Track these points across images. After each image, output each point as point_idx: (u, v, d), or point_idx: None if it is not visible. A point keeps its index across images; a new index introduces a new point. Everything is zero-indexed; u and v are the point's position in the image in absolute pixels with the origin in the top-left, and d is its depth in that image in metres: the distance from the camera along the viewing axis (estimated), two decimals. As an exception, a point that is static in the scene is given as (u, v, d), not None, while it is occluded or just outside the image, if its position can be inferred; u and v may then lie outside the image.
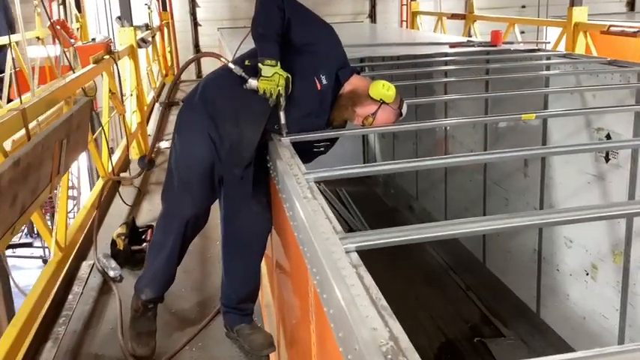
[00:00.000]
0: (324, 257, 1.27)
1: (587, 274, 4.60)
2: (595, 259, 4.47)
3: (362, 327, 0.97)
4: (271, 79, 2.42)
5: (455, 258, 6.92)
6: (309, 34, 2.58)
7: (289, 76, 2.47)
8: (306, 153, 2.70)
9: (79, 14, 10.64)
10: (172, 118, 7.66)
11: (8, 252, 9.15)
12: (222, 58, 2.71)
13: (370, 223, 8.25)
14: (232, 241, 2.83)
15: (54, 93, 2.78)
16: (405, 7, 11.79)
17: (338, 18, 12.77)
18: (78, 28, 10.42)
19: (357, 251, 1.29)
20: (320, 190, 6.40)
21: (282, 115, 2.50)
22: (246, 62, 2.57)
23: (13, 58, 6.55)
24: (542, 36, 11.36)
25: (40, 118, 3.19)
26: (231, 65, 2.56)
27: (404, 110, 2.71)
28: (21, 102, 3.35)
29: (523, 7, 12.94)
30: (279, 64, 2.45)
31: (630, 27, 6.39)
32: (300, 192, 1.68)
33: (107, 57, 4.41)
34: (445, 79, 5.31)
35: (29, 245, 10.58)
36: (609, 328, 4.34)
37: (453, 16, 9.83)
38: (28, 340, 2.52)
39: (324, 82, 2.58)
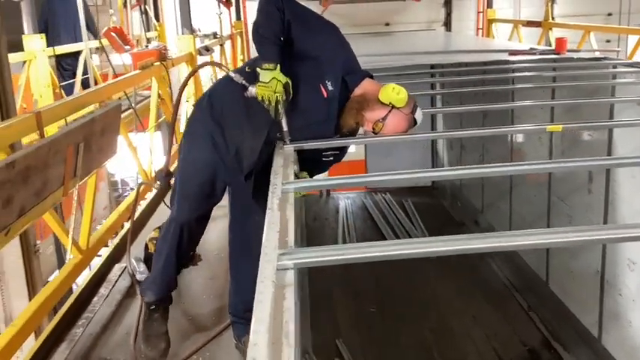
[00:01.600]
0: (260, 274, 1.19)
1: (651, 301, 4.27)
2: (661, 285, 4.15)
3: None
4: (268, 85, 2.33)
5: (518, 276, 6.67)
6: (312, 38, 2.49)
7: (289, 81, 2.37)
8: (316, 163, 2.64)
9: (157, 23, 11.03)
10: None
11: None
12: (223, 67, 2.76)
13: (432, 235, 8.01)
14: (239, 249, 2.81)
15: (81, 98, 2.83)
16: (481, 15, 11.46)
17: (413, 26, 12.62)
18: (156, 37, 10.82)
19: (297, 268, 1.20)
20: (385, 200, 6.28)
21: (283, 122, 2.41)
22: (247, 69, 2.51)
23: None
24: (624, 45, 10.76)
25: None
26: (231, 74, 2.50)
27: (418, 116, 2.54)
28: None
29: (609, 14, 12.28)
30: (278, 67, 2.35)
31: None
32: (270, 202, 1.59)
33: (157, 63, 4.49)
34: (512, 86, 5.11)
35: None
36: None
37: (529, 24, 9.45)
38: (39, 341, 2.56)
39: (330, 88, 2.46)
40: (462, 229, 8.32)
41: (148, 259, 3.64)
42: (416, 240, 1.45)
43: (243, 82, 2.42)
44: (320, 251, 1.29)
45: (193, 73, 2.48)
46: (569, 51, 5.22)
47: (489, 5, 11.01)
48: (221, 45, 7.84)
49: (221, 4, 9.79)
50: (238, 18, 11.55)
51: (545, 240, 1.48)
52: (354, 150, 10.08)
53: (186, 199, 2.67)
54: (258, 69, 2.35)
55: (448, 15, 12.87)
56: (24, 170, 2.08)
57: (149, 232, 3.70)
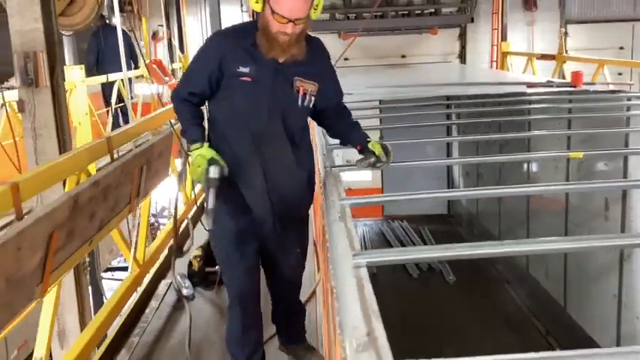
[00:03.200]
0: (337, 271, 1.43)
1: (668, 323, 4.42)
2: (677, 308, 4.30)
3: (350, 327, 1.12)
4: (192, 169, 2.42)
5: (536, 302, 6.77)
6: (212, 65, 2.49)
7: (214, 156, 2.41)
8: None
9: (182, 55, 11.44)
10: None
11: (107, 275, 9.81)
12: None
13: (450, 262, 8.21)
14: (275, 287, 2.97)
15: (140, 125, 3.11)
16: (495, 48, 11.78)
17: (428, 58, 12.89)
18: (180, 68, 11.20)
19: (367, 266, 1.44)
20: (402, 227, 6.44)
21: (211, 194, 2.39)
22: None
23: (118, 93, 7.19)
24: (637, 79, 10.99)
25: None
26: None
27: None
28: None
29: (621, 48, 12.56)
30: (204, 144, 2.44)
31: None
32: (332, 214, 1.83)
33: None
34: (529, 117, 5.32)
35: (126, 269, 11.21)
36: None
37: (543, 57, 9.74)
38: (103, 347, 2.79)
39: (244, 69, 2.46)
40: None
41: (191, 275, 3.89)
42: (471, 244, 1.67)
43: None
44: (385, 253, 1.55)
45: None
46: (584, 84, 5.46)
47: (503, 38, 11.32)
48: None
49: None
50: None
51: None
52: (371, 179, 10.32)
53: (231, 273, 2.77)
54: (189, 154, 2.48)
55: (463, 48, 13.17)
56: (104, 188, 2.33)
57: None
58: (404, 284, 8.00)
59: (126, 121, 8.00)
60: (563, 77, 9.13)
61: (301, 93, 2.55)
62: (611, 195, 4.97)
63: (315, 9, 2.41)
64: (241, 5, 11.92)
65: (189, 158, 2.44)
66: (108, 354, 2.86)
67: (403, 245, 9.04)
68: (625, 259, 4.83)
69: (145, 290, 3.53)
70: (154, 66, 6.08)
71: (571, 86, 5.36)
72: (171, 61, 11.38)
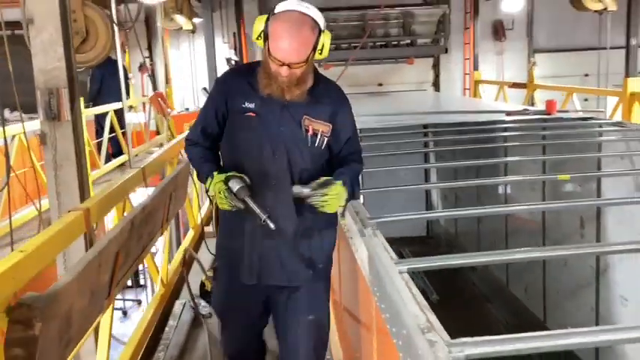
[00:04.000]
0: (385, 276, 1.73)
1: (642, 332, 4.75)
2: (650, 317, 4.64)
3: (406, 315, 1.43)
4: (215, 196, 2.39)
5: (517, 317, 7.06)
6: (221, 106, 2.50)
7: (223, 178, 2.36)
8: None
9: (165, 84, 11.70)
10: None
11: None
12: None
13: (432, 282, 8.52)
14: (301, 338, 2.68)
15: (162, 155, 3.39)
16: (467, 76, 12.30)
17: (404, 86, 13.35)
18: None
19: (407, 272, 1.74)
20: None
21: (252, 206, 2.33)
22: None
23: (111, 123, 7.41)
24: (603, 104, 11.56)
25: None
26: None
27: (283, 7, 2.35)
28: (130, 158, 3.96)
29: (586, 75, 13.18)
30: (214, 174, 2.41)
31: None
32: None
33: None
34: (505, 144, 5.62)
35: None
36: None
37: (514, 85, 10.25)
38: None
39: (247, 104, 2.45)
40: (458, 274, 8.79)
41: (204, 295, 4.13)
42: (493, 252, 1.98)
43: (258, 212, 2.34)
44: (423, 261, 1.86)
45: None
46: (558, 111, 5.87)
47: (475, 68, 11.85)
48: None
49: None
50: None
51: (528, 255, 2.14)
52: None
53: (231, 333, 2.70)
54: (210, 192, 2.45)
55: (437, 76, 13.68)
56: (149, 213, 2.60)
57: (197, 273, 4.18)
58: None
59: (118, 151, 8.23)
60: (532, 104, 9.62)
61: (310, 133, 2.46)
62: (586, 214, 5.33)
63: (321, 52, 2.34)
64: (222, 37, 12.25)
65: (210, 193, 2.41)
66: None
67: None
68: (601, 273, 5.18)
69: (162, 311, 3.76)
70: (158, 99, 6.35)
71: (546, 114, 5.76)
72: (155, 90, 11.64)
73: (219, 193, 2.31)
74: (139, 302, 11.62)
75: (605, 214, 5.10)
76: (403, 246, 10.14)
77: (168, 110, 6.24)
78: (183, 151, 4.07)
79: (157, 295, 3.47)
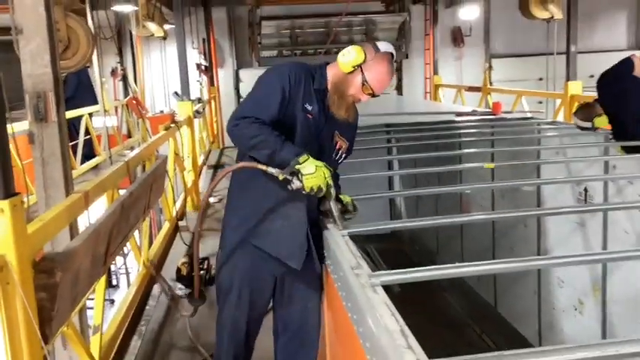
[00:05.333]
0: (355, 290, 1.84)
1: (576, 309, 5.30)
2: (581, 296, 5.18)
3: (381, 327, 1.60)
4: (315, 174, 2.35)
5: (471, 304, 7.56)
6: (278, 96, 2.53)
7: (325, 166, 2.40)
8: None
9: (137, 89, 12.04)
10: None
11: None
12: (259, 166, 2.49)
13: (395, 275, 8.97)
14: (292, 337, 2.76)
15: (143, 151, 3.81)
16: (428, 81, 12.88)
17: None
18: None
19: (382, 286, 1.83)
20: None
21: (333, 206, 2.46)
22: (280, 177, 2.42)
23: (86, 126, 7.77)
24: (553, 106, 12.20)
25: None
26: (271, 170, 2.42)
27: (384, 47, 2.52)
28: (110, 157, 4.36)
29: (540, 79, 13.83)
30: (307, 154, 2.39)
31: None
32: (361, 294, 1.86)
33: (173, 125, 5.48)
34: (460, 139, 6.12)
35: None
36: (593, 355, 4.98)
37: (470, 89, 10.83)
38: (121, 333, 3.43)
39: (309, 107, 2.54)
40: (421, 267, 9.28)
41: (180, 280, 4.53)
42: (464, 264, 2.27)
43: (286, 176, 2.38)
44: (399, 274, 2.04)
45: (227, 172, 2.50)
46: (503, 112, 6.43)
47: (435, 72, 12.42)
48: (203, 109, 8.87)
49: (202, 73, 10.88)
50: (212, 84, 12.67)
51: (490, 268, 2.41)
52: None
53: (234, 311, 2.66)
54: (296, 166, 2.36)
55: (399, 80, 14.24)
56: (135, 198, 3.02)
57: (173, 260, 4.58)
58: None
59: (90, 154, 8.57)
60: (488, 106, 10.20)
61: (337, 147, 2.65)
62: (529, 205, 5.88)
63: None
64: (192, 43, 12.61)
65: (306, 168, 2.35)
66: (124, 340, 3.51)
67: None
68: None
69: (143, 292, 4.16)
70: (134, 102, 6.75)
71: (492, 114, 6.32)
72: (126, 95, 11.96)
73: (325, 178, 2.35)
74: (112, 301, 11.89)
75: (545, 203, 5.66)
76: (369, 243, 10.61)
77: (144, 112, 6.64)
78: (160, 150, 4.51)
79: (139, 273, 3.87)
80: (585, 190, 5.02)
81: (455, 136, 6.11)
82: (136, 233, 4.17)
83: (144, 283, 3.89)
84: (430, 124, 6.46)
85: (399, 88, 14.22)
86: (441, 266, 2.06)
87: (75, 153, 8.06)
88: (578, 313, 5.26)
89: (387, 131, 6.90)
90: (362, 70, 2.44)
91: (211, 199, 7.07)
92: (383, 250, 10.39)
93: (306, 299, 2.65)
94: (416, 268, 2.09)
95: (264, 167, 2.43)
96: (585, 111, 4.83)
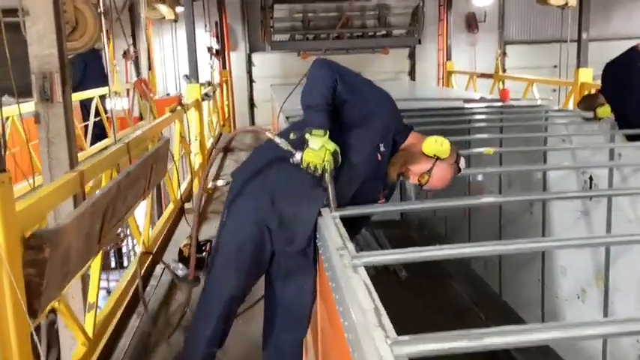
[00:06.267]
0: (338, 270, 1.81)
1: (579, 298, 5.30)
2: (583, 284, 5.18)
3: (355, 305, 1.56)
4: (317, 152, 2.29)
5: (477, 292, 7.60)
6: (366, 107, 2.48)
7: (337, 149, 2.34)
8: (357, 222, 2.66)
9: (149, 71, 12.07)
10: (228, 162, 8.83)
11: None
12: (267, 134, 2.48)
13: (405, 263, 9.07)
14: (279, 316, 2.74)
15: (145, 133, 3.84)
16: (441, 67, 12.79)
17: (381, 75, 13.80)
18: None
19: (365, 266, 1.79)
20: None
21: (330, 188, 2.37)
22: (292, 135, 2.40)
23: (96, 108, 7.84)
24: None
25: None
26: (276, 139, 2.39)
27: (462, 164, 2.57)
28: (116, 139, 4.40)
29: (555, 66, 13.71)
30: (327, 134, 2.32)
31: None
32: (343, 280, 1.79)
33: (179, 108, 5.51)
34: (469, 125, 6.10)
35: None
36: (595, 343, 4.99)
37: (482, 76, 10.76)
38: (119, 311, 3.49)
39: (382, 149, 2.50)
40: (430, 255, 9.35)
41: (182, 261, 4.59)
42: (442, 247, 2.13)
43: (289, 147, 2.35)
44: (378, 255, 2.00)
45: (235, 135, 2.43)
46: (512, 99, 6.40)
47: (448, 58, 12.34)
48: (214, 92, 8.90)
49: (213, 56, 10.90)
50: (224, 67, 12.69)
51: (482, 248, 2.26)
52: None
53: (235, 274, 2.61)
54: (307, 135, 2.31)
55: (413, 66, 14.16)
56: (133, 179, 3.05)
57: (176, 242, 4.63)
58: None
59: (102, 134, 8.65)
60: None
61: (381, 200, 2.63)
62: (532, 201, 5.88)
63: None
64: (205, 26, 12.63)
65: (311, 141, 2.31)
66: (124, 317, 3.58)
67: (361, 249, 9.79)
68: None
69: (144, 272, 4.22)
70: (142, 84, 6.80)
71: (500, 101, 6.28)
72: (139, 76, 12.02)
73: (323, 161, 2.30)
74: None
75: (549, 189, 5.65)
76: (379, 229, 10.66)
77: (151, 95, 6.69)
78: (164, 131, 4.54)
79: (138, 255, 3.93)
80: (590, 178, 5.00)
81: (464, 122, 6.11)
82: (140, 214, 4.25)
83: (144, 264, 3.95)
84: (440, 110, 6.51)
85: (412, 74, 14.15)
86: (423, 248, 2.03)
87: (86, 134, 8.15)
88: (581, 302, 5.26)
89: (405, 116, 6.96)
90: (435, 163, 2.45)
91: (219, 182, 7.12)
92: (392, 235, 10.44)
93: (302, 281, 2.62)
94: (398, 250, 2.08)
95: (270, 135, 2.42)
96: (588, 101, 4.82)
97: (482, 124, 6.07)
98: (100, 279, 2.93)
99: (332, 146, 2.32)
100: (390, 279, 8.73)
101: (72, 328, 2.48)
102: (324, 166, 2.30)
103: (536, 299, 6.01)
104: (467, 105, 6.39)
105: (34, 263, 1.91)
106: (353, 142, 2.44)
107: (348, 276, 1.66)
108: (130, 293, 3.67)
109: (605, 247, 4.76)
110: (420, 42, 12.83)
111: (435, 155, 2.44)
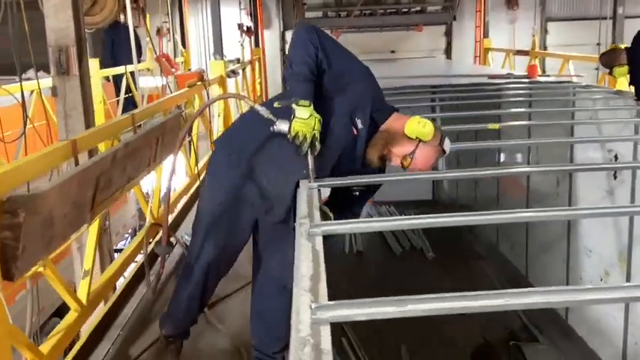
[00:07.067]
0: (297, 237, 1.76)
1: (602, 280, 5.18)
2: (607, 266, 5.06)
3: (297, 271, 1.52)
4: (307, 121, 2.23)
5: (503, 273, 7.50)
6: (344, 76, 2.43)
7: (321, 119, 2.29)
8: (349, 198, 2.61)
9: (183, 49, 12.17)
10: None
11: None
12: (246, 99, 2.48)
13: (430, 241, 9.02)
14: (264, 285, 2.77)
15: (155, 106, 3.86)
16: (478, 44, 12.51)
17: (416, 53, 13.62)
18: (182, 62, 11.93)
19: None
20: (389, 212, 7.24)
21: (310, 159, 2.31)
22: (275, 104, 2.36)
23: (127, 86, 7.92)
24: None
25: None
26: (257, 107, 2.35)
27: (446, 146, 2.49)
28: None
29: (598, 44, 13.25)
30: (312, 105, 2.27)
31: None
32: (297, 247, 1.72)
33: (199, 83, 5.53)
34: (499, 100, 6.02)
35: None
36: (616, 326, 4.89)
37: (519, 53, 10.48)
38: (126, 280, 3.55)
39: (360, 126, 2.44)
40: (459, 235, 9.29)
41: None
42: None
43: (270, 116, 2.30)
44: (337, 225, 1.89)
45: (205, 107, 2.42)
46: (540, 76, 6.23)
47: (485, 35, 12.05)
48: (243, 69, 8.91)
49: (243, 34, 10.91)
50: (257, 45, 12.69)
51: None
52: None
53: (211, 240, 2.64)
54: (293, 105, 2.26)
55: (449, 44, 13.90)
56: (132, 150, 3.08)
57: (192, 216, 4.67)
58: (387, 261, 8.79)
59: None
60: (543, 70, 9.88)
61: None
62: (560, 174, 5.78)
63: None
64: (240, 3, 12.63)
65: (299, 111, 2.25)
66: (129, 286, 3.64)
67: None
68: (571, 228, 5.61)
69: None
70: (163, 59, 6.85)
71: (527, 78, 6.12)
72: (174, 55, 12.12)
73: (313, 129, 2.25)
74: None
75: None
76: (410, 209, 10.60)
77: (173, 70, 6.75)
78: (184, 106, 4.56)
79: (146, 226, 3.98)
80: (615, 157, 4.87)
81: (494, 97, 6.03)
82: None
83: (152, 235, 3.99)
84: (472, 86, 6.46)
85: (448, 52, 13.89)
86: (383, 219, 2.03)
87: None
88: (604, 284, 5.13)
89: (432, 92, 6.92)
90: (417, 145, 2.39)
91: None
92: (422, 215, 10.38)
93: (284, 251, 2.53)
94: (362, 219, 2.06)
95: (250, 102, 2.41)
96: (610, 57, 4.65)
97: (511, 99, 6.02)
98: (96, 247, 2.98)
99: (318, 116, 2.28)
100: (418, 259, 8.70)
101: (61, 293, 2.53)
102: (314, 134, 2.26)
103: (561, 281, 5.91)
104: (492, 81, 6.24)
105: (10, 227, 1.94)
106: (329, 110, 2.38)
107: (300, 244, 1.64)
108: (132, 262, 3.72)
109: (628, 229, 4.64)
110: (455, 18, 12.57)
111: (417, 137, 2.38)
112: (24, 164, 2.15)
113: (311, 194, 2.15)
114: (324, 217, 2.28)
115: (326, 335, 1.13)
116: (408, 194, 11.11)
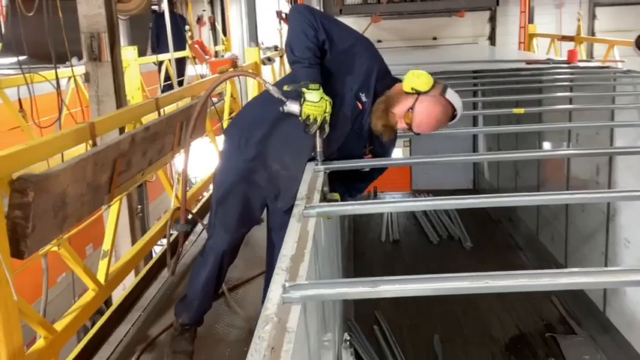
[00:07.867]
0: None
1: (640, 271, 5.01)
2: (645, 257, 4.91)
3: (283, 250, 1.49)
4: (318, 104, 2.24)
5: (543, 264, 7.35)
6: (346, 53, 2.40)
7: (331, 101, 2.30)
8: (357, 175, 2.63)
9: (224, 37, 12.27)
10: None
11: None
12: (257, 78, 2.51)
13: (469, 230, 8.91)
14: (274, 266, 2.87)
15: (182, 91, 3.90)
16: (522, 30, 12.19)
17: (459, 40, 13.38)
18: (223, 49, 12.04)
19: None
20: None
21: (318, 142, 2.34)
22: (285, 87, 2.33)
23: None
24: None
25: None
26: (269, 86, 2.34)
27: (451, 97, 2.36)
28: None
29: (649, 29, 12.79)
30: (321, 88, 2.28)
31: None
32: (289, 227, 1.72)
33: (231, 69, 5.55)
34: (540, 85, 5.91)
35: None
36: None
37: (564, 38, 10.19)
38: (150, 263, 3.61)
39: (364, 98, 2.41)
40: (498, 226, 9.13)
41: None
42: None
43: (281, 96, 2.30)
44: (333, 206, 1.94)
45: (215, 86, 2.42)
46: (580, 61, 6.05)
47: (530, 21, 11.73)
48: (280, 57, 8.91)
49: (281, 21, 10.88)
50: (297, 33, 12.64)
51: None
52: (401, 154, 10.97)
53: (224, 226, 2.68)
54: (303, 89, 2.27)
55: (493, 30, 13.59)
56: (153, 134, 3.11)
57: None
58: (424, 249, 8.73)
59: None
60: (587, 56, 9.57)
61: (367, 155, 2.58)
62: (600, 161, 5.62)
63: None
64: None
65: (310, 95, 2.26)
66: (155, 267, 3.70)
67: (427, 217, 9.68)
68: (610, 219, 5.45)
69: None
70: (196, 46, 6.91)
71: (567, 63, 5.95)
72: (215, 43, 12.23)
73: (324, 111, 2.27)
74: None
75: (615, 159, 5.38)
76: (449, 195, 10.48)
77: (207, 57, 6.80)
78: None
79: (173, 207, 4.03)
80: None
81: (535, 82, 5.90)
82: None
83: (175, 218, 4.04)
84: (512, 71, 6.39)
85: (492, 38, 13.59)
86: (379, 200, 1.99)
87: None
88: (642, 276, 4.97)
89: (474, 77, 6.84)
90: (417, 98, 2.31)
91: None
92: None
93: None
94: (353, 201, 2.05)
95: (262, 80, 2.42)
96: None
97: (551, 84, 5.89)
98: (116, 229, 3.03)
99: (328, 98, 2.29)
100: (455, 248, 8.60)
101: (78, 273, 2.59)
102: (325, 117, 2.27)
103: (599, 272, 5.75)
104: (531, 66, 6.10)
105: (20, 206, 1.99)
106: (334, 89, 2.36)
107: (291, 224, 1.63)
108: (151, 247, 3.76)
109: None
110: (498, 3, 12.28)
111: (413, 89, 2.30)
112: (38, 145, 2.20)
113: (314, 177, 2.14)
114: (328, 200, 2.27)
115: (295, 314, 1.10)
116: (449, 183, 11.02)
